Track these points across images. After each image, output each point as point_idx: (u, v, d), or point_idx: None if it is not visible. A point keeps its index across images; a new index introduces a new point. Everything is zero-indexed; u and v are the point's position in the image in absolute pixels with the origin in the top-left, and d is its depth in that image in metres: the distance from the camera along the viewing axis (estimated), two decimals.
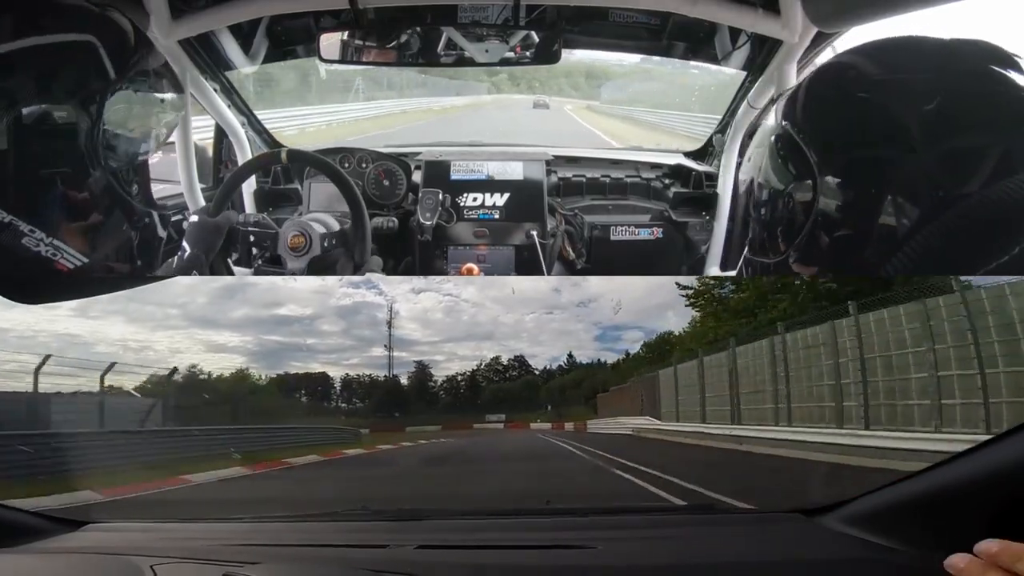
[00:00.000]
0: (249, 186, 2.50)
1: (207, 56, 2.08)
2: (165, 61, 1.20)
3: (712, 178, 2.52)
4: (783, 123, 0.87)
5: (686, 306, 10.98)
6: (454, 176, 2.35)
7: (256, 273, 1.79)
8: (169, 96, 1.20)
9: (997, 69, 0.76)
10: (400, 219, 2.32)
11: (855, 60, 0.86)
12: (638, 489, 4.39)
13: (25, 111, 0.93)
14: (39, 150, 0.96)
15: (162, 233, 1.28)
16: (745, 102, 2.23)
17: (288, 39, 2.26)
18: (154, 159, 1.27)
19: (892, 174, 0.75)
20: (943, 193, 0.72)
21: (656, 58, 2.43)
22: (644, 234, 2.49)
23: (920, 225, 0.72)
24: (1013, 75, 0.75)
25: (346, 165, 2.37)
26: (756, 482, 4.63)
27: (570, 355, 25.21)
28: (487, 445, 12.12)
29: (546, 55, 1.99)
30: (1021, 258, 0.66)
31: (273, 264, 1.73)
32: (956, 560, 0.50)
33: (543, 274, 2.24)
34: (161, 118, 1.19)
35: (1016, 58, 0.77)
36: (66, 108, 0.98)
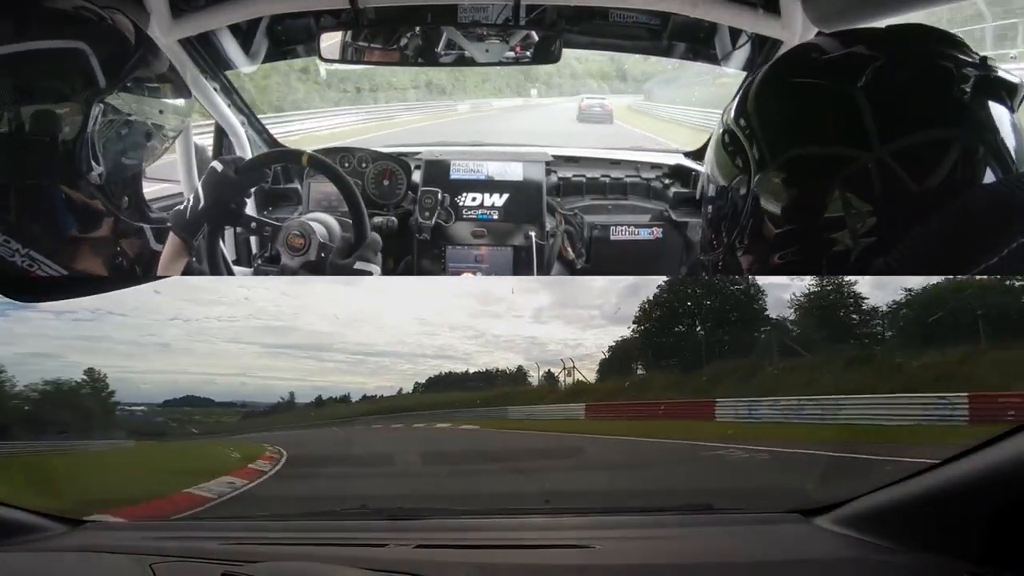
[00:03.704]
0: None
1: (207, 55, 2.08)
2: (170, 66, 1.13)
3: None
4: (733, 119, 0.87)
5: None
6: (453, 176, 2.35)
7: (256, 273, 1.79)
8: (170, 104, 1.14)
9: (938, 48, 0.77)
10: (400, 219, 2.33)
11: (799, 56, 0.88)
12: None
13: (6, 118, 0.91)
14: (19, 159, 0.93)
15: (155, 247, 1.23)
16: None
17: (288, 39, 2.25)
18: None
19: (848, 170, 0.75)
20: (909, 187, 0.73)
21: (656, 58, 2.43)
22: (644, 234, 2.49)
23: (901, 224, 0.73)
24: (954, 52, 0.76)
25: (346, 165, 2.37)
26: None
27: None
28: None
29: (546, 55, 2.00)
30: (1014, 257, 0.66)
31: (272, 263, 1.73)
32: None
33: (542, 275, 2.24)
34: (160, 128, 1.12)
35: (951, 35, 0.78)
36: (51, 116, 0.94)
